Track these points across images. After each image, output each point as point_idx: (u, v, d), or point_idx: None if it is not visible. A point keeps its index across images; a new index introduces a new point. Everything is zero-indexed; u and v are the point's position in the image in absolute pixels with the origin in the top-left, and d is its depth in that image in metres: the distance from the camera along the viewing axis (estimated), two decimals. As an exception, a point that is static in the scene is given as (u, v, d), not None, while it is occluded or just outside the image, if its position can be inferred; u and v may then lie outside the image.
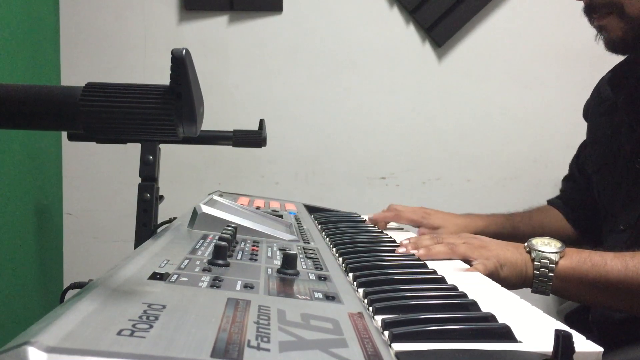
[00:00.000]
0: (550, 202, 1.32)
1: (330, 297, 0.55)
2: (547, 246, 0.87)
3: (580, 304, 1.11)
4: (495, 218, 1.25)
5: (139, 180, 1.04)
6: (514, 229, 1.23)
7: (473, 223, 1.22)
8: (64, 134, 1.54)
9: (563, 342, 0.43)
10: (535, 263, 0.86)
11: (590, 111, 1.20)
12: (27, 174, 1.48)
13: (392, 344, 0.47)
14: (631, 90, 1.03)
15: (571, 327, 0.51)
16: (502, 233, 1.20)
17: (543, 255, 0.85)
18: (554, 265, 0.84)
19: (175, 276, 0.54)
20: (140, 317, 0.40)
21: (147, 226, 1.02)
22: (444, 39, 1.86)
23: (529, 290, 0.87)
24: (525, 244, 0.89)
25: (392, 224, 1.27)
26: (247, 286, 0.53)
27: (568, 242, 0.89)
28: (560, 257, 0.85)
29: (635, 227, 1.00)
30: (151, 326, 0.39)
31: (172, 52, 0.46)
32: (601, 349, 0.50)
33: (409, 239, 0.94)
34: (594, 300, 0.91)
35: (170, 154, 1.44)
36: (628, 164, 1.03)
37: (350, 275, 0.71)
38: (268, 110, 1.81)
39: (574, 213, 1.26)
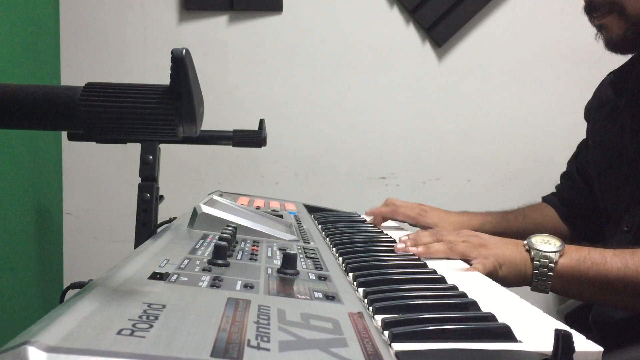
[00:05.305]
0: (545, 199, 1.31)
1: (330, 297, 0.55)
2: (546, 245, 0.86)
3: (580, 301, 1.11)
4: (490, 217, 1.26)
5: (139, 180, 1.04)
6: (508, 228, 1.23)
7: (468, 221, 1.22)
8: (64, 134, 1.54)
9: (563, 342, 0.43)
10: (534, 262, 0.85)
11: (592, 113, 1.20)
12: (27, 174, 1.48)
13: (392, 344, 0.48)
14: (634, 93, 1.03)
15: (571, 327, 0.51)
16: (497, 231, 1.20)
17: (542, 254, 0.85)
18: (553, 265, 0.84)
19: (175, 276, 0.54)
20: (140, 316, 0.40)
21: (147, 226, 1.02)
22: (444, 39, 1.86)
23: (528, 288, 0.87)
24: (525, 242, 0.88)
25: (390, 223, 1.27)
26: (247, 286, 0.53)
27: (563, 239, 0.88)
28: (560, 256, 0.85)
29: (639, 228, 1.00)
30: (151, 326, 0.39)
31: (172, 52, 0.46)
32: (601, 349, 0.50)
33: (408, 234, 0.94)
34: (593, 298, 0.91)
35: (170, 154, 1.43)
36: (631, 166, 1.03)
37: (350, 275, 0.71)
38: (268, 110, 1.81)
39: (570, 212, 1.26)
